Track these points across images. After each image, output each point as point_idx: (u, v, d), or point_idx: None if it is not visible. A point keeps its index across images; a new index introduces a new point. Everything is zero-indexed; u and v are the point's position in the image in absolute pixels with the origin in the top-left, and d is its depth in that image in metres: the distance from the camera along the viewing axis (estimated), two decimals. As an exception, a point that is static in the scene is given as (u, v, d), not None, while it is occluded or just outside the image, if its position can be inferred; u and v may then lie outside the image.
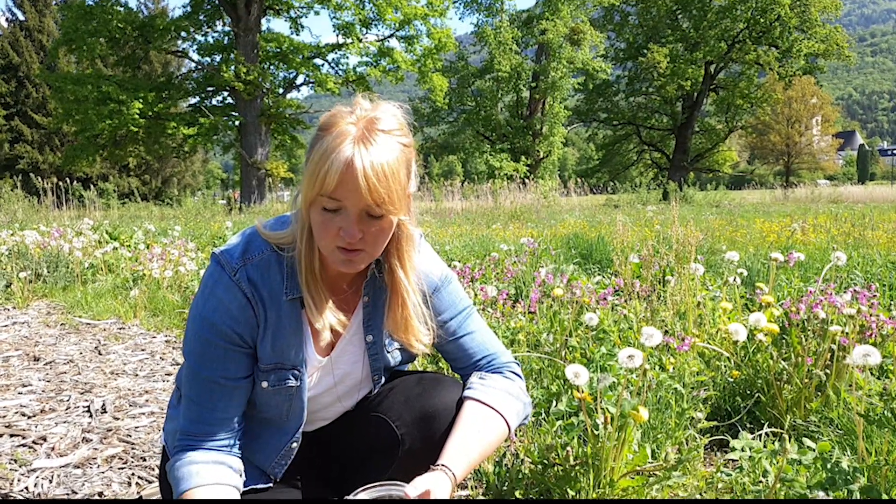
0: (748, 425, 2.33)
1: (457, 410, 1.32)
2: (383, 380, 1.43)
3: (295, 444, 1.35)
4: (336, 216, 1.14)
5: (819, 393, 2.26)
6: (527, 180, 19.75)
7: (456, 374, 1.48)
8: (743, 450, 1.66)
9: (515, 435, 2.18)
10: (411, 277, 1.32)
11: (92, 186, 15.96)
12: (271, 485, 1.33)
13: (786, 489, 1.46)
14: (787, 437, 2.13)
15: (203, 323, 1.23)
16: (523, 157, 33.22)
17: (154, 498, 2.01)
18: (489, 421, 1.31)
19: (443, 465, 1.19)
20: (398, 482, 1.09)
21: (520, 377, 1.44)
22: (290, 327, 1.27)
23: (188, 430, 1.26)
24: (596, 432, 1.75)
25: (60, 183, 14.20)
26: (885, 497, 1.39)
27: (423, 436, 1.32)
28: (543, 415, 2.26)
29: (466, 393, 1.35)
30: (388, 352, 1.40)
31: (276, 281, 1.25)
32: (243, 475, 1.29)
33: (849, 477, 1.43)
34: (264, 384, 1.28)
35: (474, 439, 1.27)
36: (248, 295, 1.23)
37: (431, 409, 1.33)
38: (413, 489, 1.08)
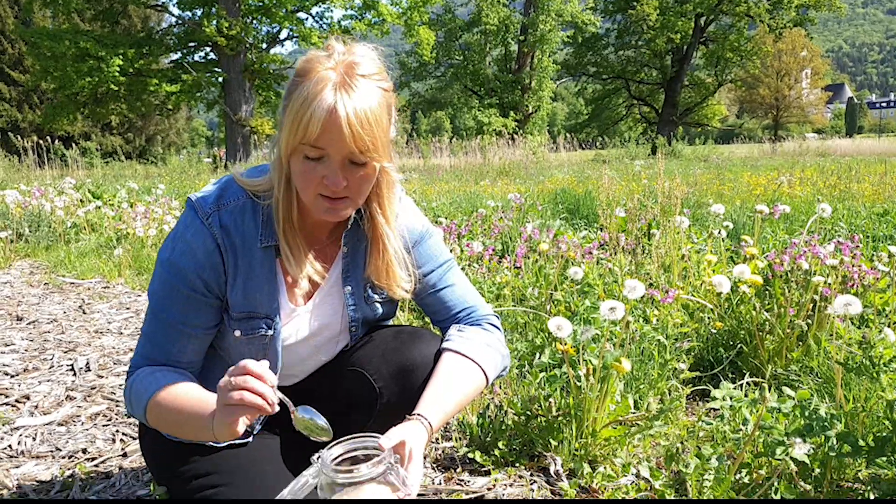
0: (730, 375, 2.36)
1: (435, 362, 1.32)
2: (361, 332, 1.42)
3: None
4: (318, 164, 1.12)
5: (800, 343, 2.28)
6: (516, 136, 19.62)
7: (436, 329, 1.47)
8: (724, 399, 1.67)
9: (499, 387, 2.19)
10: (392, 223, 1.31)
11: (74, 145, 15.68)
12: (250, 439, 1.33)
13: (764, 436, 1.48)
14: (767, 386, 2.16)
15: (169, 266, 1.22)
16: (512, 113, 32.92)
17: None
18: (466, 371, 1.30)
19: (418, 415, 1.19)
20: (372, 434, 1.09)
21: (498, 329, 1.43)
22: (262, 275, 1.25)
23: (139, 365, 1.25)
24: (578, 384, 1.76)
25: (41, 142, 13.90)
26: (860, 443, 1.41)
27: (400, 389, 1.31)
28: (527, 367, 2.28)
29: (444, 345, 1.34)
30: (368, 304, 1.39)
31: (251, 227, 1.23)
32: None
33: (826, 423, 1.44)
34: (237, 333, 1.27)
35: (451, 389, 1.26)
36: (218, 240, 1.21)
37: (409, 362, 1.32)
38: (387, 440, 1.08)
